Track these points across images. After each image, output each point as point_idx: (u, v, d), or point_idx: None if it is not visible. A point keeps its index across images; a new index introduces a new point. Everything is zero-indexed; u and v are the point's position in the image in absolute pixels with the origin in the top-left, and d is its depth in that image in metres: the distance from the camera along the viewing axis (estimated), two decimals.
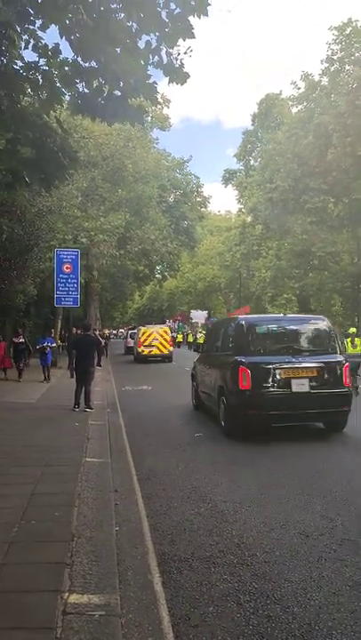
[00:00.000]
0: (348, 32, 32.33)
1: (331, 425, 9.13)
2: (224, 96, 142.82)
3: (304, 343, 9.27)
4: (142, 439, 8.98)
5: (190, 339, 44.29)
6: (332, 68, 32.95)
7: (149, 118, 38.75)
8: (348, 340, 15.86)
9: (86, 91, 5.93)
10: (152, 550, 4.36)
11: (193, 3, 5.93)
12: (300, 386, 8.36)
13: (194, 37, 6.09)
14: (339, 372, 8.71)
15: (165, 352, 28.22)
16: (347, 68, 32.29)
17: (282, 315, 11.86)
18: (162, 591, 3.66)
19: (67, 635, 2.97)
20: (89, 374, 11.61)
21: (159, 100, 35.06)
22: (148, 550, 4.35)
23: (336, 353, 9.17)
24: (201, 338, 39.26)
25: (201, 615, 3.35)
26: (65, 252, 18.96)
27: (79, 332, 19.06)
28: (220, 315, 63.57)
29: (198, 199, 45.07)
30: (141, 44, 5.76)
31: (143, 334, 28.74)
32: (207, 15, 6.01)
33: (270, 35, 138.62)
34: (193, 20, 6.04)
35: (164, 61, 5.88)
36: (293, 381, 8.38)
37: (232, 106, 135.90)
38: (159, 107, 37.01)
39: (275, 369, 8.49)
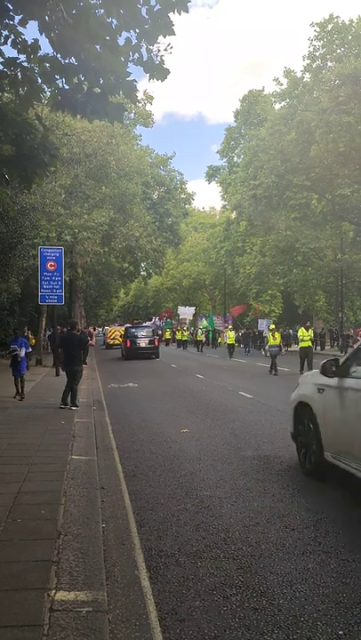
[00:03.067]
0: (329, 28, 32.49)
1: None
2: (207, 92, 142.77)
3: None
4: (128, 436, 8.99)
5: (181, 336, 43.69)
6: (314, 65, 33.09)
7: (132, 115, 38.61)
8: (270, 334, 22.03)
9: (67, 87, 5.90)
10: (139, 546, 4.38)
11: None
12: None
13: (174, 34, 6.08)
14: None
15: (119, 342, 38.55)
16: (329, 64, 32.47)
17: None
18: (149, 586, 3.68)
19: (54, 631, 2.97)
20: (75, 373, 11.61)
21: (142, 96, 34.84)
22: (135, 546, 4.37)
23: None
24: (200, 335, 39.51)
25: (188, 609, 3.38)
26: (49, 250, 18.81)
27: (64, 330, 18.96)
28: (205, 311, 63.77)
29: (182, 196, 45.11)
30: (121, 41, 5.74)
31: (109, 331, 46.92)
32: (187, 12, 6.00)
33: (253, 30, 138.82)
34: (173, 16, 6.03)
35: (145, 58, 5.86)
36: None
37: (215, 102, 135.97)
38: (141, 104, 36.87)
39: None
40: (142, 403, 13.19)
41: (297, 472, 6.50)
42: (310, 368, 18.57)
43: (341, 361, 5.84)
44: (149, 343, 30.38)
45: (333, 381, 5.75)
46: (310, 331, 20.95)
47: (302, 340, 20.01)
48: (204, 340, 41.15)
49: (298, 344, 21.69)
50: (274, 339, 21.30)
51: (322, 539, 4.42)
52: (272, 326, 23.91)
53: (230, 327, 32.75)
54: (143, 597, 3.49)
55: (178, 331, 47.17)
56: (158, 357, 29.59)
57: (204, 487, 5.98)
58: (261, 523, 4.84)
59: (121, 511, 5.19)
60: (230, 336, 30.05)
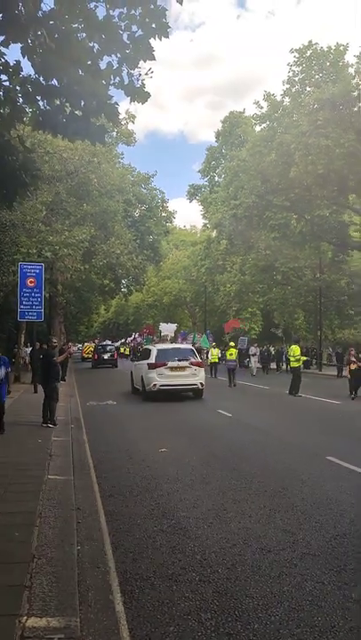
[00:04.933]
0: (308, 55, 33.23)
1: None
2: (189, 111, 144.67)
3: None
4: (106, 455, 8.91)
5: None
6: (293, 89, 33.73)
7: (114, 134, 38.88)
8: (228, 350, 24.45)
9: (48, 107, 5.95)
10: (114, 569, 4.33)
11: (154, 25, 6.03)
12: None
13: (154, 59, 6.19)
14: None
15: (91, 355, 45.12)
16: (307, 89, 33.13)
17: None
18: (123, 611, 3.64)
19: None
20: (52, 390, 11.52)
21: (124, 115, 35.06)
22: (110, 569, 4.32)
23: None
24: None
25: (162, 635, 3.34)
26: (29, 266, 18.72)
27: (44, 346, 18.79)
28: (186, 328, 63.80)
29: (164, 214, 45.33)
30: (103, 65, 5.83)
31: (85, 347, 57.15)
32: (168, 37, 6.12)
33: (235, 54, 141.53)
34: (154, 41, 6.16)
35: (126, 82, 5.95)
36: None
37: (197, 121, 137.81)
38: (123, 123, 37.18)
39: None
40: (121, 421, 13.10)
41: (274, 492, 6.51)
42: (293, 390, 18.27)
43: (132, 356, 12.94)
44: (110, 357, 41.55)
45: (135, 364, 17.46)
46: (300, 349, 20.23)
47: (296, 360, 18.97)
48: None
49: (288, 363, 21.55)
50: (230, 354, 23.32)
51: (298, 561, 4.42)
52: (232, 343, 25.57)
53: (214, 344, 32.68)
54: (117, 623, 3.45)
55: None
56: (117, 367, 38.15)
57: (181, 508, 5.96)
58: (238, 544, 4.83)
59: (96, 533, 5.13)
60: (213, 354, 29.77)
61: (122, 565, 4.41)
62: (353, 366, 17.68)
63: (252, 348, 33.03)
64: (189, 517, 5.60)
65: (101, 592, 3.88)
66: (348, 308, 40.92)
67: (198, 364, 17.91)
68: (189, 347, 21.38)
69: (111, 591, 3.92)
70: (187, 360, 17.69)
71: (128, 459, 8.63)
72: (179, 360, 17.55)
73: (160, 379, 17.04)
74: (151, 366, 17.32)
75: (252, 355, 31.90)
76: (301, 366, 19.70)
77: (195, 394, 17.78)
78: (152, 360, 17.44)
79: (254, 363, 31.46)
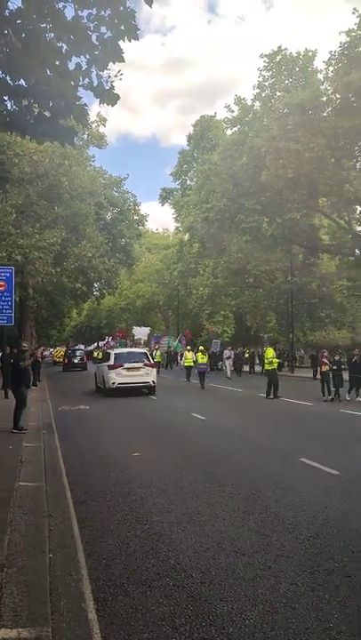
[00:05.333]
0: (278, 60, 33.64)
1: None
2: (161, 115, 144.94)
3: None
4: (79, 461, 8.81)
5: None
6: (263, 94, 34.09)
7: (85, 136, 38.65)
8: (199, 354, 24.64)
9: (16, 108, 5.86)
10: (86, 577, 4.26)
11: (123, 27, 6.00)
12: None
13: (123, 61, 6.15)
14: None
15: (62, 359, 46.38)
16: (277, 94, 33.51)
17: None
18: (96, 620, 3.58)
19: None
20: (21, 395, 11.35)
21: (95, 118, 34.85)
22: (83, 577, 4.26)
23: None
24: (158, 356, 38.81)
25: None
26: None
27: (14, 351, 18.51)
28: (159, 331, 63.74)
29: (136, 217, 45.17)
30: (71, 66, 5.77)
31: (56, 351, 57.93)
32: (137, 39, 6.10)
33: (206, 58, 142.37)
34: (124, 44, 6.12)
35: (95, 83, 5.90)
36: None
37: (168, 125, 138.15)
38: (94, 125, 37.00)
39: None
40: (94, 426, 12.98)
41: (248, 495, 6.52)
42: (276, 392, 18.23)
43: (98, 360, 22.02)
44: (80, 360, 43.33)
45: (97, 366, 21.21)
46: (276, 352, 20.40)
47: (270, 363, 18.89)
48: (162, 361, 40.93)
49: (263, 366, 21.58)
50: (202, 358, 23.94)
51: (271, 563, 4.42)
52: (201, 347, 26.36)
53: (188, 348, 32.55)
54: (90, 631, 3.39)
55: None
56: (86, 370, 38.13)
57: (154, 512, 5.91)
58: (212, 548, 4.80)
59: (69, 540, 5.06)
60: (188, 357, 29.38)
61: (95, 572, 4.34)
62: (324, 368, 17.88)
63: (227, 351, 33.07)
64: (163, 522, 5.56)
65: (74, 600, 3.81)
66: (319, 311, 41.47)
67: (151, 366, 20.81)
68: (143, 350, 24.37)
69: (84, 599, 3.86)
70: (141, 362, 20.42)
71: (101, 464, 8.54)
72: (134, 362, 20.22)
73: (118, 378, 19.75)
74: (110, 367, 20.05)
75: (227, 358, 31.92)
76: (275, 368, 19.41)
77: (148, 390, 20.28)
78: (111, 362, 20.26)
79: (229, 366, 31.51)
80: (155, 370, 21.21)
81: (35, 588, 3.94)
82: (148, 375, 20.17)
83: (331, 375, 17.84)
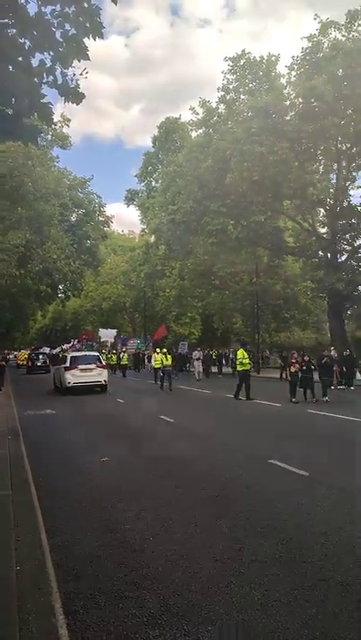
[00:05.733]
0: (241, 63, 33.87)
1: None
2: (125, 116, 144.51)
3: None
4: (46, 467, 8.60)
5: (105, 360, 43.55)
6: (227, 97, 34.26)
7: (49, 136, 38.16)
8: (162, 355, 24.84)
9: None
10: (56, 590, 4.12)
11: (88, 25, 5.89)
12: None
13: (89, 59, 6.04)
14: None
15: (26, 363, 46.75)
16: (242, 97, 33.75)
17: None
18: (67, 635, 3.46)
19: None
20: None
21: (58, 118, 34.28)
22: (52, 590, 4.11)
23: None
24: (125, 359, 38.33)
25: None
26: None
27: None
28: (126, 333, 63.39)
29: (101, 218, 44.81)
30: (35, 62, 5.63)
31: (20, 355, 58.03)
32: (102, 37, 6.00)
33: (168, 60, 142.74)
34: (88, 41, 6.01)
35: (59, 81, 5.78)
36: None
37: (133, 126, 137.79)
38: (58, 126, 36.55)
39: None
40: (61, 430, 12.75)
41: (220, 499, 6.47)
42: (248, 393, 18.12)
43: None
44: (43, 363, 43.70)
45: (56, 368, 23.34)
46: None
47: (241, 364, 18.75)
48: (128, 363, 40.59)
49: (233, 367, 21.46)
50: (166, 360, 24.36)
51: (245, 569, 4.36)
52: (164, 350, 26.86)
53: (158, 350, 32.29)
54: None
55: (104, 354, 46.07)
56: (50, 372, 36.41)
57: (125, 520, 5.79)
58: (184, 555, 4.72)
59: (37, 551, 4.89)
60: (157, 359, 29.02)
61: (64, 585, 4.21)
62: (293, 369, 17.96)
63: (196, 352, 32.91)
64: (134, 530, 5.45)
65: (43, 615, 3.67)
66: (284, 312, 41.94)
67: (102, 367, 23.42)
68: (96, 353, 26.70)
69: (54, 613, 3.72)
70: (93, 364, 22.97)
71: (69, 470, 8.37)
72: (87, 364, 22.72)
73: (73, 378, 22.09)
74: (66, 369, 22.51)
75: (197, 359, 31.73)
76: (247, 370, 19.04)
77: (101, 389, 22.76)
78: (67, 364, 22.80)
79: (198, 367, 31.37)
80: (106, 370, 23.68)
81: (1, 604, 3.78)
82: (99, 375, 22.69)
83: (300, 376, 17.94)
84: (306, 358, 18.90)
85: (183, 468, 8.21)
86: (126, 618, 3.65)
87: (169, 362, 24.41)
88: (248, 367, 18.93)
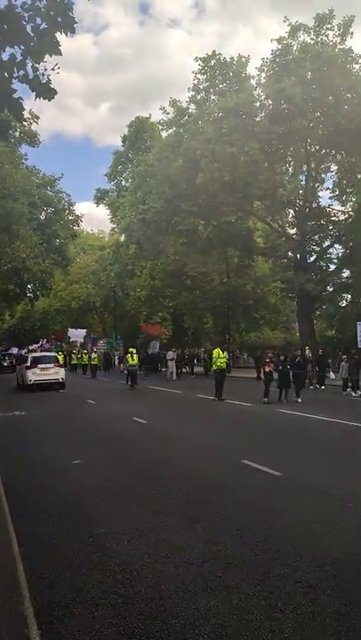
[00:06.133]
0: (212, 64, 33.94)
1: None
2: (94, 115, 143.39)
3: None
4: (16, 471, 8.42)
5: (75, 360, 43.14)
6: (198, 97, 34.29)
7: (17, 133, 37.54)
8: (128, 355, 25.85)
9: None
10: (28, 599, 3.99)
11: (59, 19, 5.78)
12: None
13: (60, 54, 5.93)
14: None
15: None
16: (212, 97, 33.83)
17: None
18: None
19: None
20: None
21: (27, 115, 33.83)
22: (25, 598, 3.99)
23: None
24: (95, 359, 37.83)
25: None
26: None
27: None
28: (96, 333, 62.82)
29: (70, 217, 44.31)
30: (5, 57, 5.48)
31: None
32: (74, 33, 5.90)
33: (137, 59, 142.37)
34: (60, 36, 5.89)
35: (30, 76, 5.64)
36: None
37: (102, 125, 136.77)
38: (27, 123, 35.99)
39: None
40: (31, 433, 12.53)
41: (194, 501, 6.42)
42: (220, 393, 17.91)
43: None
44: (9, 363, 42.60)
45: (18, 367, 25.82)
46: (225, 352, 20.22)
47: (219, 363, 18.62)
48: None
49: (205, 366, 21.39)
50: (132, 359, 25.20)
51: (222, 572, 4.32)
52: (130, 349, 27.44)
53: (132, 350, 31.86)
54: None
55: (74, 354, 45.28)
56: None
57: (98, 523, 5.69)
58: (160, 559, 4.65)
59: (8, 558, 4.75)
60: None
61: (38, 593, 4.08)
62: (268, 368, 17.92)
63: (170, 352, 32.56)
64: (108, 533, 5.36)
65: (16, 626, 3.56)
66: (254, 312, 42.23)
67: (60, 366, 26.13)
68: (54, 354, 29.41)
69: (26, 624, 3.60)
70: (52, 363, 25.45)
71: (40, 473, 8.22)
72: (46, 363, 25.17)
73: (33, 376, 24.32)
74: (27, 367, 24.82)
75: (170, 359, 31.34)
76: (221, 369, 18.84)
77: (59, 385, 24.81)
78: (28, 363, 25.12)
79: (172, 367, 31.15)
80: (63, 369, 26.27)
81: None
82: (57, 373, 25.05)
83: (275, 376, 17.87)
84: (282, 358, 18.96)
85: (156, 470, 8.15)
86: (102, 627, 3.56)
87: (135, 361, 25.39)
88: (224, 366, 18.79)
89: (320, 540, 5.00)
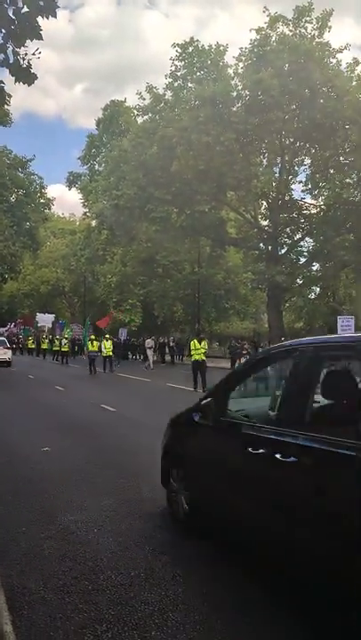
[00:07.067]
0: (190, 51, 33.76)
1: None
2: (67, 95, 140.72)
3: None
4: None
5: (45, 345, 42.22)
6: (175, 84, 34.13)
7: None
8: (88, 342, 26.90)
9: None
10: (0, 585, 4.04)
11: (42, 3, 5.71)
12: None
13: (41, 39, 5.88)
14: None
15: None
16: (189, 85, 33.70)
17: None
18: (12, 632, 3.39)
19: None
20: None
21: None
22: None
23: None
24: (66, 345, 36.89)
25: None
26: None
27: None
28: (64, 319, 62.31)
29: (42, 200, 43.72)
30: None
31: None
32: (55, 17, 5.84)
33: (114, 40, 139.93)
34: (42, 21, 5.82)
35: (11, 60, 5.56)
36: None
37: (75, 106, 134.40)
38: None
39: None
40: None
41: (163, 489, 6.52)
42: (204, 384, 17.27)
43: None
44: None
45: None
46: (204, 342, 19.29)
47: (194, 354, 18.23)
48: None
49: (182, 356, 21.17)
50: (92, 346, 26.18)
51: (191, 560, 4.44)
52: (92, 336, 28.69)
53: (108, 337, 31.52)
54: None
55: (45, 340, 44.41)
56: None
57: (68, 511, 5.74)
58: (130, 547, 4.74)
59: None
60: (107, 346, 28.19)
61: (8, 580, 4.12)
62: (243, 360, 17.72)
63: (149, 340, 32.18)
64: (78, 521, 5.41)
65: None
66: (224, 302, 42.59)
67: (7, 348, 31.65)
68: (3, 338, 35.04)
69: None
70: (2, 346, 31.10)
71: (8, 460, 8.18)
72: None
73: None
74: None
75: (149, 347, 30.91)
76: (205, 360, 18.43)
77: (7, 364, 29.91)
78: None
79: (151, 356, 30.77)
80: (10, 351, 31.98)
81: None
82: (5, 354, 30.65)
83: None
84: (262, 347, 18.65)
85: (126, 458, 8.22)
86: (73, 613, 3.63)
87: (95, 348, 26.25)
88: (203, 357, 18.31)
89: None
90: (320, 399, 3.76)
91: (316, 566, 3.38)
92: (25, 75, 5.77)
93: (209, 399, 4.91)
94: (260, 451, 3.85)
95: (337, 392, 3.56)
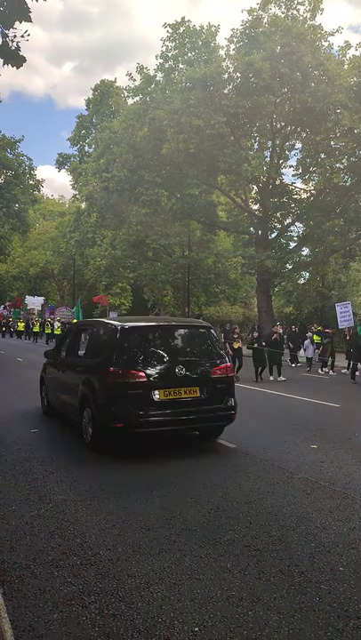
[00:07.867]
0: (181, 31, 33.33)
1: None
2: (56, 74, 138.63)
3: None
4: None
5: (37, 328, 42.12)
6: (166, 65, 33.73)
7: None
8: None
9: None
10: None
11: None
12: None
13: (30, 21, 5.83)
14: None
15: None
16: (180, 66, 33.33)
17: None
18: (3, 604, 3.53)
19: None
20: None
21: None
22: None
23: None
24: (58, 329, 37.02)
25: (46, 624, 3.31)
26: None
27: None
28: (53, 302, 62.13)
29: (31, 182, 43.20)
30: None
31: None
32: None
33: (104, 18, 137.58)
34: (30, 2, 5.78)
35: None
36: None
37: (64, 86, 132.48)
38: None
39: None
40: None
41: (150, 470, 6.67)
42: None
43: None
44: None
45: None
46: None
47: None
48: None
49: None
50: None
51: (176, 537, 4.59)
52: (75, 321, 29.53)
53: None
54: None
55: (36, 323, 44.03)
56: None
57: (57, 490, 5.87)
58: (117, 524, 4.88)
59: None
60: None
61: None
62: (236, 345, 17.64)
63: None
64: (67, 500, 5.55)
65: None
66: (214, 286, 42.61)
67: None
68: None
69: None
70: None
71: None
72: None
73: None
74: None
75: None
76: None
77: None
78: None
79: None
80: None
81: None
82: None
83: (250, 353, 17.49)
84: (255, 334, 18.55)
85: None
86: (62, 586, 3.77)
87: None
88: None
89: (270, 509, 5.34)
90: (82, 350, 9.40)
91: (76, 412, 8.20)
92: (13, 57, 5.74)
93: (51, 350, 10.65)
94: (62, 369, 9.33)
95: (84, 344, 9.37)
